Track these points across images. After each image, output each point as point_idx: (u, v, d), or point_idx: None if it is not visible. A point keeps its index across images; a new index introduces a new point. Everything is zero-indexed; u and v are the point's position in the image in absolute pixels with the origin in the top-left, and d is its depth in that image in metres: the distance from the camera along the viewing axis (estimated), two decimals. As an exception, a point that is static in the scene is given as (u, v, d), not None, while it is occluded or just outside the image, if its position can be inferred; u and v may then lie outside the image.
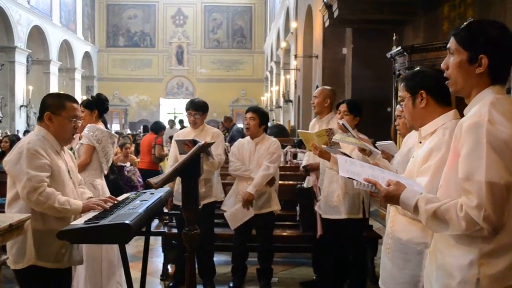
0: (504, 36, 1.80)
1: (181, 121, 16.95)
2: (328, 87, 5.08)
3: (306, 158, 5.14)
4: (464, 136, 1.73)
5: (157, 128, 9.10)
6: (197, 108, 4.70)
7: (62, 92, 3.20)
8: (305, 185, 4.96)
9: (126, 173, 7.70)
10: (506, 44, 1.80)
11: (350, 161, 2.10)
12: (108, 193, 4.20)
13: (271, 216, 4.73)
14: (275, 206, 4.72)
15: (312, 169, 4.77)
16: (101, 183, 4.26)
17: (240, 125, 14.81)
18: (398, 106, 3.80)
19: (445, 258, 1.84)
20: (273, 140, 4.77)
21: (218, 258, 5.14)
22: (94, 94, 5.17)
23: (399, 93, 2.41)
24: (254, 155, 4.71)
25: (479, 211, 1.64)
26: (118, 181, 5.79)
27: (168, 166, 4.72)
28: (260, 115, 4.77)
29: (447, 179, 1.85)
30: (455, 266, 1.78)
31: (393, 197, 1.92)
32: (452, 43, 1.88)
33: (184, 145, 4.26)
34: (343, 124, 3.62)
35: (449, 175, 1.83)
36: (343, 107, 4.33)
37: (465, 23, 1.91)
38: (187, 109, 4.75)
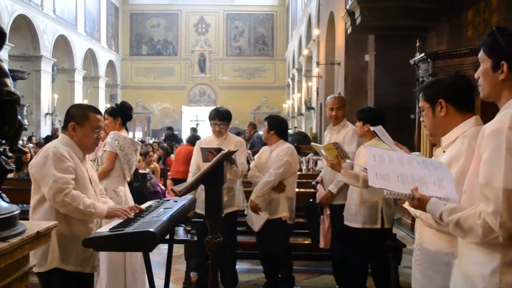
0: None
1: (195, 130, 15.95)
2: (341, 95, 5.04)
3: (323, 170, 5.08)
4: (485, 142, 1.74)
5: (194, 140, 9.31)
6: (223, 118, 4.65)
7: (86, 103, 3.27)
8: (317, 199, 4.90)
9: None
10: None
11: (378, 157, 2.06)
12: (130, 200, 4.24)
13: (281, 222, 4.60)
14: (283, 213, 4.59)
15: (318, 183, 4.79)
16: (124, 190, 4.30)
17: (261, 132, 14.77)
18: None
19: (467, 265, 1.84)
20: (285, 146, 4.66)
21: (239, 266, 5.14)
22: (118, 102, 5.22)
23: (419, 104, 2.40)
24: (268, 162, 4.69)
25: (496, 218, 1.65)
26: (142, 189, 5.82)
27: (190, 174, 4.71)
28: (269, 121, 4.76)
29: (471, 185, 1.85)
30: (477, 275, 1.78)
31: (419, 208, 1.99)
32: (480, 53, 1.92)
33: (208, 153, 4.18)
34: (373, 131, 3.62)
35: (473, 181, 1.83)
36: None
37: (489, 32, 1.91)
38: (212, 118, 4.67)
